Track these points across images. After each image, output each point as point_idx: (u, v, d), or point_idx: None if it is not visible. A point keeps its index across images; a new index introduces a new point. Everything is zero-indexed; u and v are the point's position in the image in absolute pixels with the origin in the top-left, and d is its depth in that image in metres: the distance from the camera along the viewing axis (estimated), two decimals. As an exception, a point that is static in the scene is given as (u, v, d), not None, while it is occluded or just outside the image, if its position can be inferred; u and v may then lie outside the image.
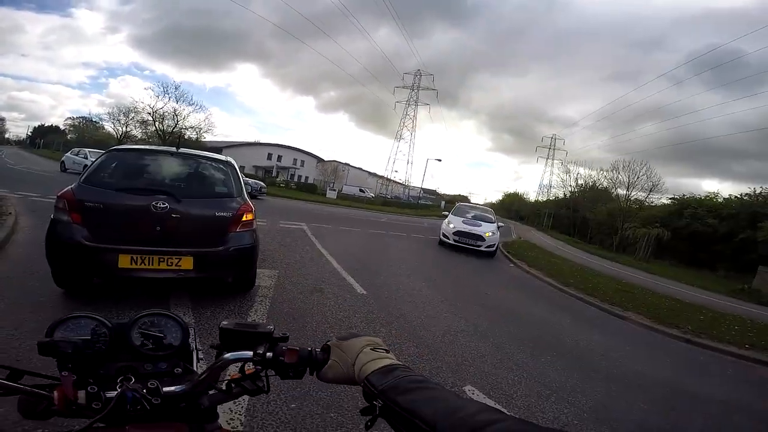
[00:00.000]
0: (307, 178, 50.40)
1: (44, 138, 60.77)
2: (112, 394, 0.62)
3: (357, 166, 61.41)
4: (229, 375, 0.70)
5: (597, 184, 53.13)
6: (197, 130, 38.62)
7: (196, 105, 39.10)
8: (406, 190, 60.25)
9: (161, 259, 3.30)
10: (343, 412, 2.37)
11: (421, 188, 53.54)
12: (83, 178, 3.45)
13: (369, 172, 63.65)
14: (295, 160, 54.32)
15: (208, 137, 40.46)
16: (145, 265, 3.25)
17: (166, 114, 37.30)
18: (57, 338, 0.68)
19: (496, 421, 0.43)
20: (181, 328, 0.76)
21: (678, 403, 3.79)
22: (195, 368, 0.77)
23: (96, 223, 3.23)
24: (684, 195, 38.70)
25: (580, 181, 58.13)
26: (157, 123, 37.46)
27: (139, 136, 39.96)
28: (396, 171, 63.49)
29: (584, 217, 49.79)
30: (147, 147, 4.43)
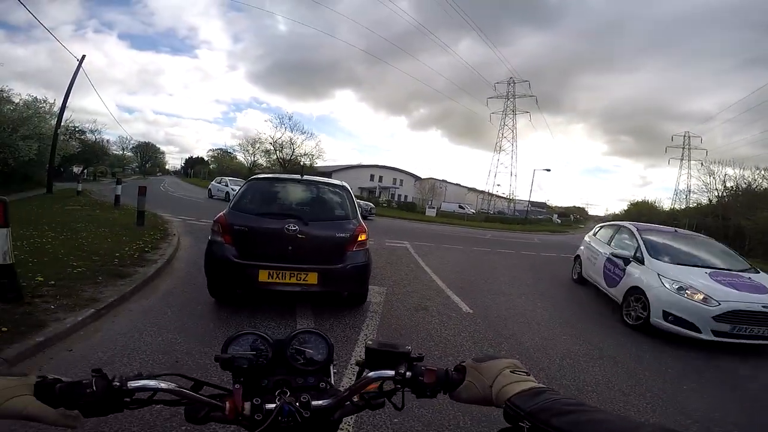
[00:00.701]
0: (406, 197, 51.55)
1: (193, 168, 73.85)
2: (271, 406, 0.67)
3: (454, 182, 60.63)
4: (367, 388, 0.72)
5: (753, 186, 42.78)
6: (310, 156, 43.02)
7: (307, 133, 43.75)
8: (511, 204, 57.12)
9: (292, 275, 3.80)
10: (442, 429, 2.39)
11: (529, 201, 50.03)
12: (232, 204, 4.17)
13: (468, 188, 62.24)
14: (394, 179, 56.19)
15: (319, 162, 44.70)
16: (279, 279, 3.77)
17: (284, 143, 42.41)
18: (233, 353, 0.75)
19: None
20: (327, 345, 0.82)
21: None
22: (332, 382, 0.82)
23: (242, 243, 3.83)
24: None
25: (729, 184, 47.66)
26: (277, 152, 42.81)
27: (264, 165, 46.11)
28: (498, 185, 61.03)
29: (739, 225, 40.26)
30: (278, 176, 5.29)
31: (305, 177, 4.53)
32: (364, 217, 19.34)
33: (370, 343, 0.73)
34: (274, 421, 0.65)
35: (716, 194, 49.71)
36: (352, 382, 0.73)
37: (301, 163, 40.24)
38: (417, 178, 58.04)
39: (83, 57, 16.71)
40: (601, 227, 8.12)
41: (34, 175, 18.79)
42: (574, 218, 75.98)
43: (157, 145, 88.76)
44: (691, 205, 56.06)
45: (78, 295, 3.67)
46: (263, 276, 3.72)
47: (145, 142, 79.26)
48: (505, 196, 58.96)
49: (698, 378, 3.80)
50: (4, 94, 17.23)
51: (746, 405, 3.38)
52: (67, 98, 16.56)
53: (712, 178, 50.60)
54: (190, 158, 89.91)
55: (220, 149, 70.12)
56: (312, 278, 3.81)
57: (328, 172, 40.80)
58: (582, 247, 8.11)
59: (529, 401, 0.56)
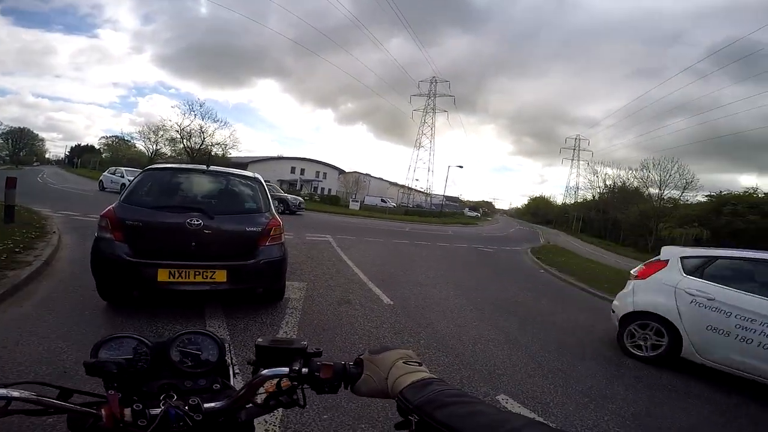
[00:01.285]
0: (330, 190, 51.12)
1: (81, 157, 64.34)
2: (156, 411, 0.64)
3: (378, 176, 62.02)
4: (266, 388, 0.71)
5: (627, 185, 51.44)
6: (223, 146, 40.13)
7: (221, 121, 40.84)
8: (428, 198, 60.02)
9: (197, 273, 3.49)
10: (375, 423, 2.38)
11: (444, 196, 53.08)
12: (123, 197, 3.72)
13: (390, 182, 63.95)
14: (317, 172, 55.25)
15: (233, 153, 41.88)
16: (182, 278, 3.44)
17: (193, 131, 38.93)
18: (102, 358, 0.71)
19: None
20: (217, 345, 0.79)
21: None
22: (232, 383, 0.79)
23: (136, 240, 3.44)
24: (721, 191, 36.72)
25: (608, 182, 56.43)
26: (184, 140, 39.12)
27: (168, 154, 41.79)
28: (417, 180, 63.64)
29: (615, 219, 48.04)
30: (180, 166, 4.73)
31: (212, 168, 4.17)
32: (293, 212, 17.69)
33: (261, 340, 0.71)
34: (163, 426, 0.62)
35: (598, 191, 58.27)
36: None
37: (212, 153, 37.22)
38: (341, 171, 57.83)
39: None
40: (704, 260, 4.28)
41: None
42: (483, 212, 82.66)
43: (35, 132, 75.40)
44: (579, 201, 64.84)
45: None
46: (163, 275, 3.37)
47: (19, 127, 67.00)
48: (423, 190, 61.75)
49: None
50: None
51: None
52: None
53: (595, 176, 59.25)
54: (77, 146, 78.11)
55: (116, 136, 61.40)
56: (220, 276, 3.54)
57: (243, 163, 38.44)
58: (664, 300, 4.27)
59: (417, 393, 0.56)
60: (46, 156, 79.47)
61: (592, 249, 27.54)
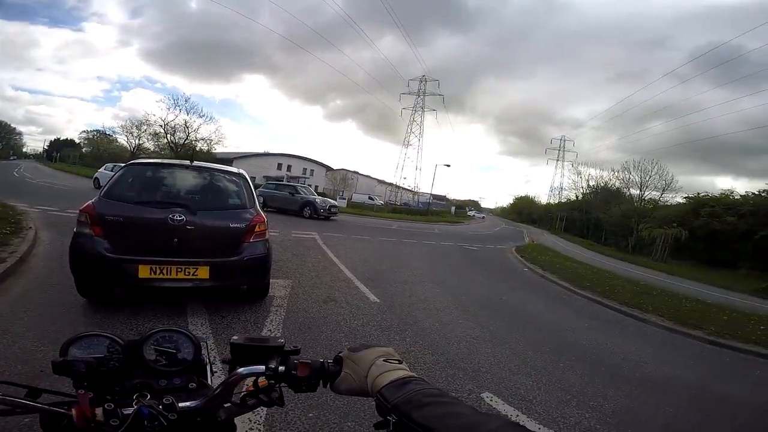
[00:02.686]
0: (317, 187, 50.55)
1: (60, 151, 62.66)
2: (129, 410, 0.62)
3: (366, 174, 61.68)
4: (246, 387, 0.69)
5: (609, 185, 52.64)
6: (208, 141, 39.57)
7: (207, 117, 40.15)
8: (416, 196, 60.17)
9: (179, 269, 3.42)
10: (361, 421, 2.37)
11: (431, 194, 53.28)
12: (103, 192, 3.63)
13: (378, 180, 63.80)
14: (304, 169, 54.74)
15: (218, 148, 41.29)
16: (163, 275, 3.37)
17: (178, 126, 38.28)
18: (71, 357, 0.69)
19: None
20: (192, 343, 0.77)
21: (705, 405, 3.67)
22: (209, 382, 0.78)
23: (116, 236, 3.37)
24: (699, 193, 37.95)
25: (591, 183, 57.58)
26: (168, 135, 38.42)
27: (152, 149, 40.91)
28: (405, 178, 63.70)
29: (597, 218, 49.11)
30: (163, 161, 4.62)
31: (196, 163, 4.12)
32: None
33: (236, 338, 0.69)
34: (137, 426, 0.61)
35: (582, 191, 59.36)
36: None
37: (196, 148, 36.54)
38: (329, 168, 57.44)
39: None
40: None
41: None
42: (469, 210, 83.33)
43: (12, 125, 72.80)
44: (563, 200, 65.97)
45: None
46: (144, 272, 3.31)
47: (-6, 121, 64.28)
48: (410, 188, 61.87)
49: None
50: None
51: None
52: None
53: (579, 177, 60.31)
54: (56, 140, 75.77)
55: (97, 131, 59.68)
56: (203, 272, 3.49)
57: (228, 159, 37.81)
58: None
59: (396, 393, 0.55)
60: (24, 150, 77.04)
61: (574, 248, 28.02)
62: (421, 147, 62.51)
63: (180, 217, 3.46)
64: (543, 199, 77.22)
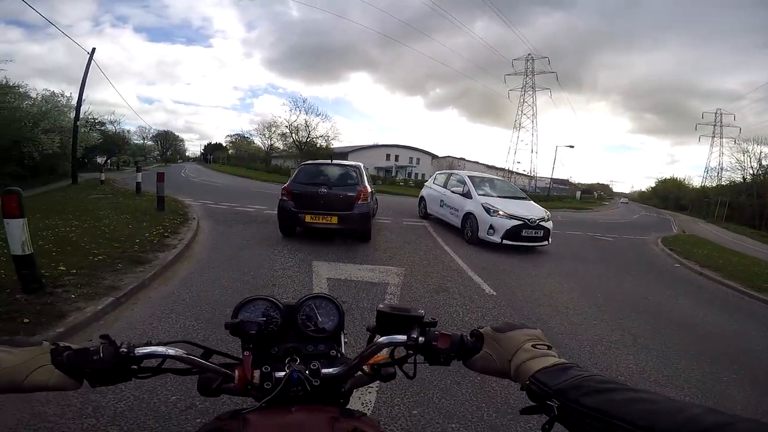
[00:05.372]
0: (423, 175, 50.92)
1: (212, 154, 75.56)
2: (280, 374, 0.65)
3: (473, 160, 59.37)
4: (374, 358, 0.70)
5: (791, 164, 40.19)
6: (326, 138, 43.02)
7: (323, 115, 43.63)
8: (532, 181, 55.75)
9: (323, 217, 6.28)
10: (467, 424, 2.24)
11: (551, 178, 48.66)
12: (291, 179, 6.80)
13: (487, 165, 60.89)
14: (411, 158, 55.52)
15: (335, 143, 44.64)
16: (316, 220, 6.29)
17: (300, 126, 42.50)
18: (242, 319, 0.73)
19: (728, 423, 0.37)
20: (338, 311, 0.78)
21: None
22: (343, 351, 0.79)
23: (296, 200, 6.40)
24: None
25: (765, 162, 45.03)
26: (293, 134, 42.94)
27: (281, 147, 46.37)
28: (518, 162, 59.45)
29: (774, 203, 38.18)
30: (317, 161, 7.85)
31: (334, 161, 7.42)
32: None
33: (382, 306, 0.69)
34: (284, 389, 0.63)
35: (750, 172, 47.22)
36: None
37: (317, 145, 40.15)
38: (434, 156, 57.17)
39: (93, 50, 16.51)
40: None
41: (58, 167, 19.36)
42: (598, 195, 73.65)
43: (177, 133, 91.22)
44: (722, 183, 53.62)
45: (98, 284, 3.67)
46: (308, 218, 6.26)
47: (164, 130, 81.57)
48: (525, 173, 57.56)
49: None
50: (21, 90, 17.57)
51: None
52: (83, 90, 16.64)
53: (745, 156, 48.03)
54: (209, 144, 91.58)
55: (238, 134, 71.01)
56: (335, 220, 6.26)
57: (344, 153, 40.68)
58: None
59: (556, 378, 0.51)
60: (187, 154, 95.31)
61: (741, 240, 22.45)
62: (535, 129, 57.68)
63: (324, 190, 6.38)
64: (696, 181, 63.61)
